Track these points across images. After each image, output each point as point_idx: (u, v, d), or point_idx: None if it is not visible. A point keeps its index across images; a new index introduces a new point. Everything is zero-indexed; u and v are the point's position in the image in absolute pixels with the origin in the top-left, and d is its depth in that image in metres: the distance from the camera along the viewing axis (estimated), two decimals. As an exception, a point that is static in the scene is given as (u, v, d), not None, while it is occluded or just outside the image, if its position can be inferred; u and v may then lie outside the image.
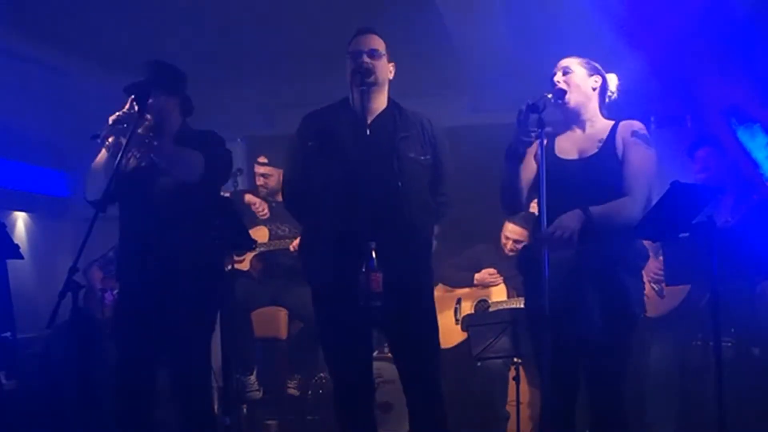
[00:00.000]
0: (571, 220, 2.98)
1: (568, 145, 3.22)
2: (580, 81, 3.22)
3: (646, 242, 4.30)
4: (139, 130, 3.31)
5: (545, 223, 2.91)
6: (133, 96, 3.30)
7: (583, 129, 3.25)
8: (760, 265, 3.39)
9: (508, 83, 5.53)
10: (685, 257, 3.76)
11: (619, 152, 3.16)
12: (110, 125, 3.30)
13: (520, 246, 4.76)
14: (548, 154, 3.12)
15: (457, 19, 4.86)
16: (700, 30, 4.49)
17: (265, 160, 5.18)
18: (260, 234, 5.01)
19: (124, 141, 3.22)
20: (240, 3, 4.75)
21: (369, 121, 3.26)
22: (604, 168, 3.15)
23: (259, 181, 5.19)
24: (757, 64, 4.63)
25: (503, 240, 5.01)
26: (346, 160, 3.17)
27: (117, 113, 3.32)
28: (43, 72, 5.51)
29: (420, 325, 3.25)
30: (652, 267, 4.39)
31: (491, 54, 5.40)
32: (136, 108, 3.25)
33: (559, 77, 3.22)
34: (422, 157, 3.26)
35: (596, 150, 3.18)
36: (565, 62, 3.25)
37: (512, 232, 4.94)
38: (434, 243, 5.30)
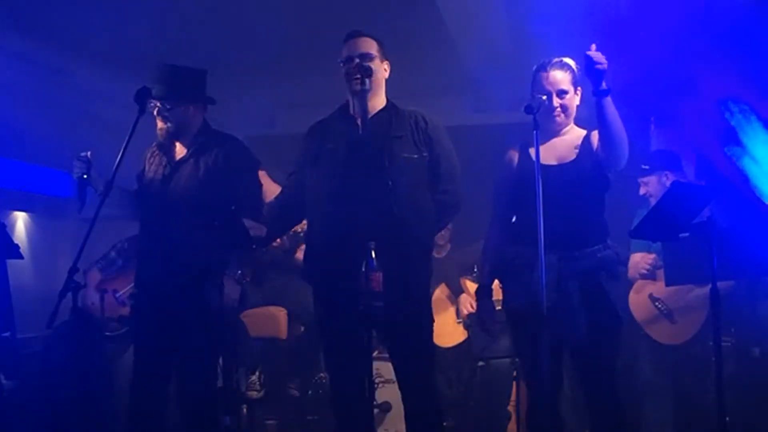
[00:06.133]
0: None
1: (543, 152, 3.19)
2: (572, 103, 3.25)
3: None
4: (160, 136, 3.49)
5: (542, 227, 2.88)
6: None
7: (559, 137, 3.29)
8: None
9: (509, 83, 5.53)
10: (685, 257, 3.77)
11: (591, 154, 3.23)
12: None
13: None
14: (527, 160, 3.20)
15: (457, 19, 4.86)
16: (701, 27, 4.50)
17: None
18: None
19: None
20: (240, 3, 4.75)
21: (363, 122, 3.27)
22: (585, 170, 3.19)
23: None
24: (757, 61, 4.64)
25: None
26: (341, 161, 3.20)
27: None
28: (44, 71, 5.51)
29: (415, 325, 3.25)
30: (642, 262, 4.39)
31: (491, 54, 5.40)
32: None
33: (555, 101, 3.21)
34: (416, 156, 3.24)
35: (575, 156, 3.23)
36: (563, 83, 3.22)
37: None
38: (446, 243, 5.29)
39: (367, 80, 3.18)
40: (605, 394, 3.16)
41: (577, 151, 3.23)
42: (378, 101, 3.32)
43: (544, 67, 3.22)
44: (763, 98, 4.67)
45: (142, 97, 3.23)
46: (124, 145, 3.21)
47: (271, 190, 5.23)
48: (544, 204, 2.88)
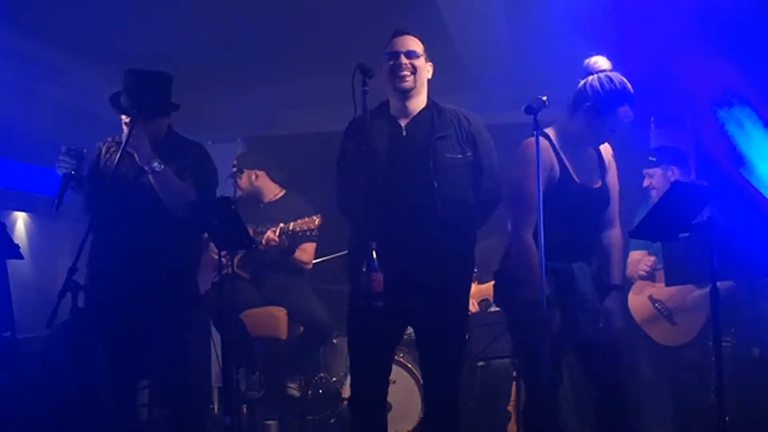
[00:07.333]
0: (617, 308, 3.19)
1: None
2: None
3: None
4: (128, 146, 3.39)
5: (542, 235, 2.90)
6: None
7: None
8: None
9: (509, 83, 5.53)
10: (685, 257, 3.77)
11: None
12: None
13: None
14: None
15: (457, 19, 4.85)
16: (701, 28, 4.50)
17: (235, 162, 5.23)
18: None
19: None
20: (240, 3, 4.75)
21: (406, 122, 3.29)
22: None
23: (239, 184, 5.21)
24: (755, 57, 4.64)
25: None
26: (384, 162, 3.18)
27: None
28: (44, 72, 5.51)
29: (451, 327, 3.27)
30: (641, 263, 4.39)
31: (492, 54, 5.40)
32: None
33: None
34: (460, 156, 3.25)
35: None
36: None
37: None
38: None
39: (412, 78, 3.23)
40: (618, 391, 3.19)
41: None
42: (420, 101, 3.32)
43: (627, 100, 3.10)
44: (763, 98, 4.68)
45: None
46: (123, 145, 3.22)
47: (269, 189, 5.25)
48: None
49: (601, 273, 3.25)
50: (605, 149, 3.31)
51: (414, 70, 3.24)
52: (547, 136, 3.18)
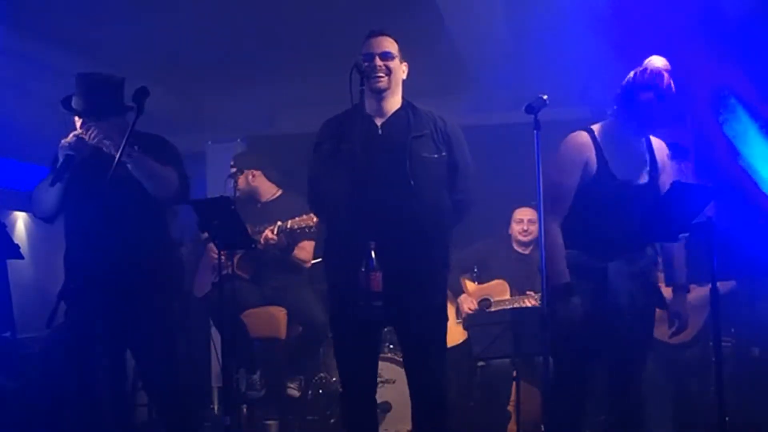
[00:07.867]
0: (684, 308, 3.23)
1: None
2: None
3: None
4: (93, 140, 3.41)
5: (542, 228, 2.91)
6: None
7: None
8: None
9: (509, 83, 5.53)
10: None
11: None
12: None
13: (534, 227, 4.82)
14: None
15: (457, 19, 4.86)
16: (701, 28, 4.50)
17: (232, 162, 5.23)
18: None
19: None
20: (240, 4, 4.75)
21: (382, 122, 3.30)
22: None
23: (237, 184, 5.21)
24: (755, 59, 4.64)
25: (514, 225, 5.11)
26: (359, 161, 3.19)
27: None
28: (44, 72, 5.51)
29: (430, 325, 3.27)
30: None
31: (491, 54, 5.40)
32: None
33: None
34: (436, 156, 3.26)
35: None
36: None
37: (524, 213, 5.08)
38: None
39: (386, 78, 3.24)
40: (631, 392, 3.19)
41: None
42: (395, 101, 3.33)
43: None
44: (763, 98, 4.68)
45: (140, 97, 3.22)
46: (123, 144, 3.22)
47: (266, 188, 5.25)
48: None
49: (665, 273, 3.26)
50: (659, 147, 3.29)
51: (388, 71, 3.25)
52: (590, 132, 3.20)
